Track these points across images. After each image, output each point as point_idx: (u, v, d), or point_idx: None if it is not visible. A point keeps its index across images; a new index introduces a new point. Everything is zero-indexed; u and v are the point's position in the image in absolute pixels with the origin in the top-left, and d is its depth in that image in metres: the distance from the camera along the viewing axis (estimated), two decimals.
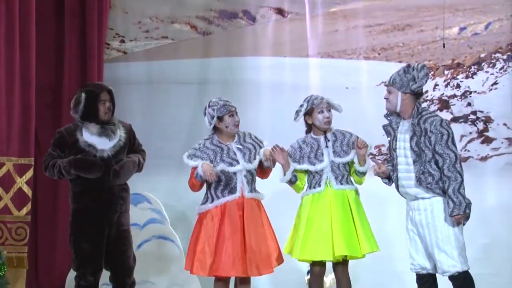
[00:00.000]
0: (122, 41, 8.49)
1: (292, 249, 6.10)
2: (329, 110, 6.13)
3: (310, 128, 6.21)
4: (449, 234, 5.69)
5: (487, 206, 7.92)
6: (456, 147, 5.70)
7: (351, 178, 6.19)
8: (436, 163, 5.68)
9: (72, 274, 6.50)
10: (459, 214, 5.61)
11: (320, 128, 6.14)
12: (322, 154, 6.09)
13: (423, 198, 5.74)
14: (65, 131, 6.31)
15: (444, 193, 5.67)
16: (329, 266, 6.23)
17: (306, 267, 7.09)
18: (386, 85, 5.89)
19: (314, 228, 6.00)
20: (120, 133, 6.32)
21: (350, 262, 6.25)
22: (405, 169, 5.79)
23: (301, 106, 6.14)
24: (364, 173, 6.15)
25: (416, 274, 5.90)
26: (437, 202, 5.72)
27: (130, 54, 8.51)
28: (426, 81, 5.80)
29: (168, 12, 8.49)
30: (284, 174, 6.12)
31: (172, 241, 7.84)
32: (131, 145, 6.42)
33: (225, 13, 8.46)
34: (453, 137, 5.71)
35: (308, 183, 6.19)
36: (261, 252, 6.03)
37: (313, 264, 6.11)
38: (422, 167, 5.69)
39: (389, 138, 5.92)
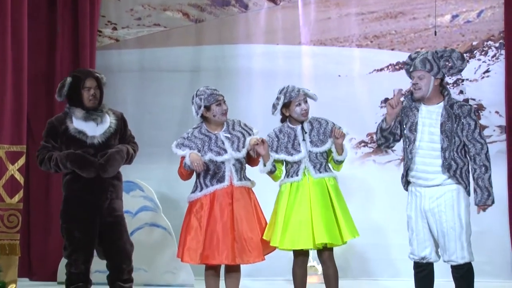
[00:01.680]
0: (114, 29, 8.48)
1: (271, 236, 6.05)
2: (306, 102, 6.08)
3: (286, 118, 6.17)
4: (462, 225, 5.62)
5: None
6: None
7: (329, 164, 6.15)
8: (463, 151, 5.64)
9: (64, 261, 6.50)
10: (487, 205, 5.61)
11: (298, 119, 6.11)
12: (299, 144, 6.05)
13: (438, 185, 5.64)
14: (56, 120, 6.28)
15: (463, 182, 5.61)
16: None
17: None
18: (411, 71, 5.72)
19: (293, 217, 5.98)
20: (111, 120, 6.30)
21: (341, 250, 6.25)
22: (428, 154, 5.66)
23: (278, 99, 6.06)
24: (342, 161, 6.11)
25: (414, 262, 5.84)
26: (453, 191, 5.63)
27: (122, 41, 8.50)
28: (465, 65, 5.75)
29: (160, 0, 8.48)
30: (264, 165, 6.09)
31: (164, 228, 7.86)
32: (122, 134, 6.38)
33: (217, 0, 8.44)
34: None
35: (286, 171, 6.16)
36: (251, 240, 6.01)
37: (296, 253, 6.09)
38: (452, 154, 5.60)
39: (405, 121, 5.76)
